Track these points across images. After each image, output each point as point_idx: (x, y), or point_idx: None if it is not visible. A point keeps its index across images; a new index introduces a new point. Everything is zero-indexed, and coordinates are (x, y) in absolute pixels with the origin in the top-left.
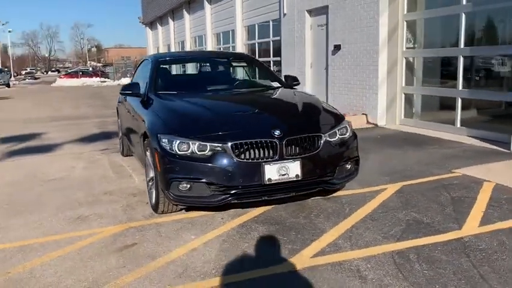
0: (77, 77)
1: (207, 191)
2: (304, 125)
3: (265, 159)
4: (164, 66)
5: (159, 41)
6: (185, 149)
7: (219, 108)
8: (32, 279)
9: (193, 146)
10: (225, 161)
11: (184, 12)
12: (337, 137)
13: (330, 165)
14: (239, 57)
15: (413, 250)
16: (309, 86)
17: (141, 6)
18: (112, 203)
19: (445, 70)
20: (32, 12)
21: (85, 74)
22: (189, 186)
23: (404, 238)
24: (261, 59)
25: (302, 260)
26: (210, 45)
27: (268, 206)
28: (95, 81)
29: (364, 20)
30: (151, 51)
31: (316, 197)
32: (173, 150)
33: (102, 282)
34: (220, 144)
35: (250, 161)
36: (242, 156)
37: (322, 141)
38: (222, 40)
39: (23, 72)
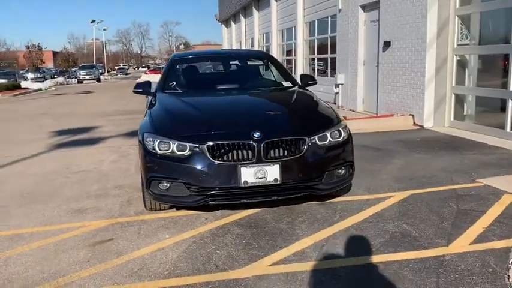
0: (160, 73)
1: (185, 191)
2: (287, 127)
3: (241, 162)
4: (180, 65)
5: (232, 38)
6: (166, 149)
7: (211, 108)
8: (2, 267)
9: (173, 146)
10: (201, 162)
11: (254, 10)
12: (327, 141)
13: (317, 170)
14: (256, 56)
15: (381, 265)
16: (360, 86)
17: (218, 4)
18: (116, 197)
19: (500, 69)
20: (125, 11)
21: None
22: (168, 185)
23: (379, 252)
24: (318, 56)
25: (257, 267)
26: (275, 42)
27: (257, 209)
28: None
29: (413, 15)
30: (227, 47)
31: (311, 202)
32: (154, 150)
33: (60, 274)
34: (197, 145)
35: (226, 162)
36: (219, 157)
37: (305, 145)
38: (286, 37)
39: (116, 68)
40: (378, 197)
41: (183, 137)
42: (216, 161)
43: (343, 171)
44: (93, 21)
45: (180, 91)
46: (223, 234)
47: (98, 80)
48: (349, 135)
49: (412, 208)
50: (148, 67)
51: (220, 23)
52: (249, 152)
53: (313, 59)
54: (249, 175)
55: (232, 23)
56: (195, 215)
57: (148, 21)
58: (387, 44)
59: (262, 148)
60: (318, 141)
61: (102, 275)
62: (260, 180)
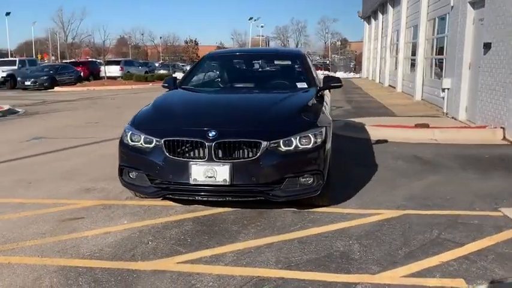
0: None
1: (147, 182)
2: (246, 130)
3: (193, 159)
4: (208, 62)
5: (371, 35)
6: (136, 141)
7: (196, 106)
8: None
9: (142, 139)
10: (159, 156)
11: (389, 6)
12: (292, 146)
13: (273, 176)
14: (285, 55)
15: (280, 281)
16: (464, 92)
17: (362, 1)
18: None
19: None
20: (285, 9)
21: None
22: (135, 175)
23: (291, 267)
24: (438, 57)
25: (165, 263)
26: (402, 40)
27: (231, 208)
28: (318, 74)
29: None
30: (366, 45)
31: (289, 208)
32: (127, 141)
33: (12, 241)
34: (158, 139)
35: (179, 159)
36: (174, 153)
37: (260, 149)
38: (412, 35)
39: None
40: (363, 213)
41: (150, 131)
42: (171, 156)
43: (310, 179)
44: (251, 18)
45: (192, 87)
46: (172, 228)
47: None
48: (324, 142)
49: (386, 229)
50: None
51: (362, 20)
52: (202, 150)
53: (432, 60)
54: (198, 173)
55: (372, 20)
56: (171, 206)
57: (306, 18)
58: (487, 46)
59: (213, 148)
60: (281, 146)
61: (38, 247)
62: (209, 179)
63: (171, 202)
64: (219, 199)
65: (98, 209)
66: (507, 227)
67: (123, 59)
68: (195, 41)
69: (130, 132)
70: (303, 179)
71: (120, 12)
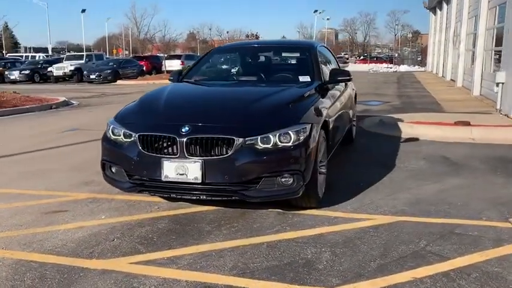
0: (365, 62)
1: (125, 178)
2: (220, 125)
3: (165, 155)
4: (216, 55)
5: (436, 26)
6: (117, 135)
7: (180, 100)
8: None
9: (121, 133)
10: (135, 151)
11: None
12: (270, 144)
13: (248, 175)
14: (293, 48)
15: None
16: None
17: None
18: None
19: None
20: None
21: (378, 59)
22: (115, 170)
23: (244, 275)
24: (497, 48)
25: (118, 263)
26: (464, 32)
27: (216, 207)
28: (381, 67)
29: None
30: (432, 37)
31: (276, 209)
32: (109, 135)
33: None
34: (133, 134)
35: (152, 154)
36: (148, 148)
37: (233, 146)
38: (473, 25)
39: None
40: (352, 218)
41: (129, 125)
42: (145, 152)
43: (290, 180)
44: (315, 11)
45: (192, 81)
46: (145, 225)
47: None
48: (307, 140)
49: (369, 237)
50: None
51: (428, 10)
52: (173, 146)
53: (492, 52)
54: (170, 170)
55: (437, 10)
56: (156, 202)
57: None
58: None
59: (185, 144)
60: (259, 143)
61: (8, 239)
62: (181, 176)
63: (159, 198)
64: (192, 197)
65: (85, 202)
66: (509, 241)
67: (184, 53)
68: (256, 34)
69: (112, 126)
70: (283, 179)
71: (189, 9)
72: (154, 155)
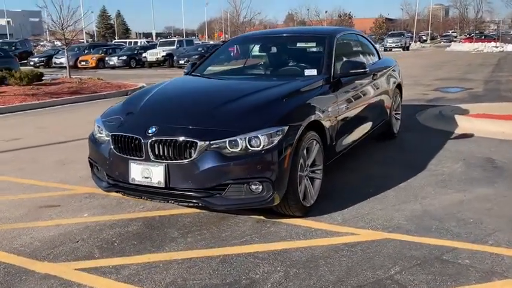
0: (471, 41)
1: (104, 177)
2: (184, 126)
3: (132, 157)
4: (231, 45)
5: None
6: (99, 133)
7: (164, 97)
8: None
9: (103, 131)
10: (107, 151)
11: None
12: (238, 148)
13: (212, 180)
14: (310, 38)
15: None
16: None
17: None
18: None
19: None
20: None
21: (486, 38)
22: (97, 168)
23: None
24: None
25: (63, 269)
26: None
27: (203, 210)
28: (487, 46)
29: None
30: None
31: (258, 216)
32: (94, 132)
33: None
34: (108, 133)
35: (121, 155)
36: (118, 149)
37: (197, 150)
38: None
39: (442, 34)
40: (335, 231)
41: (107, 124)
42: (116, 152)
43: (259, 187)
44: None
45: (198, 74)
46: (116, 227)
47: (405, 49)
48: (280, 143)
49: (338, 257)
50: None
51: None
52: (139, 148)
53: None
54: (136, 172)
55: None
56: (144, 201)
57: None
58: None
59: (149, 146)
60: (227, 147)
61: None
62: (146, 180)
63: None
64: (162, 201)
65: (81, 197)
66: (502, 275)
67: None
68: (348, 14)
69: (96, 124)
70: (252, 186)
71: None
72: (123, 156)
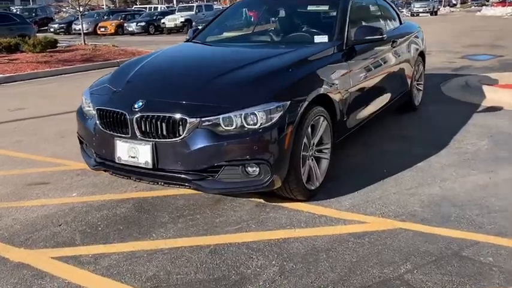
0: (504, 5)
1: (93, 154)
2: (173, 101)
3: (118, 134)
4: (238, 8)
5: None
6: (87, 107)
7: (156, 68)
8: None
9: (91, 105)
10: (92, 126)
11: None
12: (233, 126)
13: (204, 162)
14: (324, 1)
15: None
16: None
17: None
18: None
19: None
20: None
21: None
22: (86, 144)
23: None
24: None
25: (38, 256)
26: None
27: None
28: None
29: None
30: None
31: (258, 199)
32: (82, 106)
33: None
34: (94, 106)
35: (107, 132)
36: (104, 125)
37: (186, 127)
38: None
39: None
40: (341, 218)
41: (94, 97)
42: (101, 128)
43: (256, 169)
44: None
45: (199, 42)
46: (104, 209)
47: (433, 13)
48: (281, 121)
49: (342, 250)
50: None
51: None
52: (125, 124)
53: None
54: (122, 151)
55: None
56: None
57: None
58: None
59: (135, 122)
60: (221, 125)
61: None
62: (133, 159)
63: None
64: (152, 183)
65: (73, 174)
66: None
67: None
68: None
69: (84, 96)
70: (250, 169)
71: None
72: (109, 132)
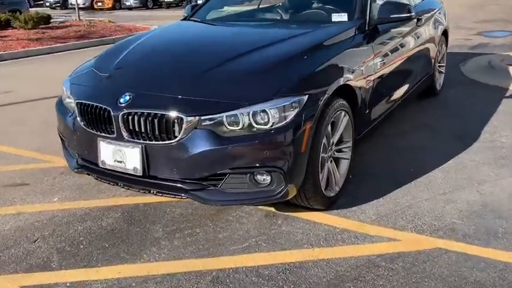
0: None
1: (75, 155)
2: (168, 95)
3: (101, 134)
4: None
5: None
6: (68, 99)
7: (148, 53)
8: None
9: (72, 96)
10: (72, 122)
11: None
12: (239, 126)
13: (205, 169)
14: None
15: None
16: None
17: None
18: None
19: None
20: None
21: None
22: (66, 143)
23: None
24: None
25: (7, 284)
26: None
27: None
28: None
29: None
30: None
31: (268, 208)
32: (63, 98)
33: None
34: (74, 99)
35: (88, 130)
36: (86, 121)
37: (183, 127)
38: None
39: None
40: (367, 234)
41: (75, 87)
42: (82, 126)
43: (267, 178)
44: None
45: (198, 20)
46: (88, 220)
47: None
48: (298, 120)
49: (370, 282)
50: None
51: None
52: (109, 122)
53: None
54: (107, 154)
55: None
56: None
57: None
58: None
59: (121, 120)
60: (225, 124)
61: None
62: (119, 164)
63: None
64: (143, 191)
65: (55, 173)
66: None
67: None
68: None
69: (64, 86)
70: (259, 177)
71: None
72: (91, 131)
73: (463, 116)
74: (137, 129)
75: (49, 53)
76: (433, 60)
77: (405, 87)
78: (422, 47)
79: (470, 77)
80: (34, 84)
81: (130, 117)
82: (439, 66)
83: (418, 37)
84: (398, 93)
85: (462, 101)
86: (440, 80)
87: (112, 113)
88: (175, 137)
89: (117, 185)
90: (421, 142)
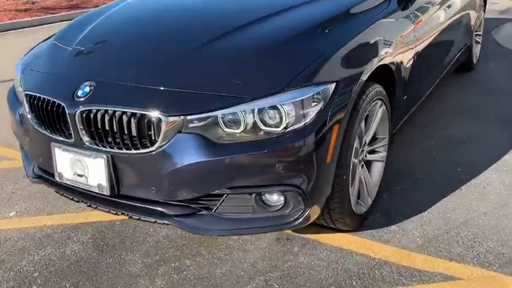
0: None
1: (33, 161)
2: (142, 84)
3: (55, 137)
4: None
5: None
6: (19, 88)
7: (128, 24)
8: None
9: (21, 85)
10: (23, 120)
11: None
12: (240, 128)
13: (196, 188)
14: None
15: None
16: None
17: None
18: None
19: None
20: None
21: None
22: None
23: None
24: None
25: None
26: None
27: None
28: None
29: None
30: None
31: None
32: (16, 86)
33: None
34: (24, 89)
35: (40, 131)
36: (37, 119)
37: (163, 130)
38: None
39: None
40: (415, 268)
41: (27, 73)
42: (34, 125)
43: (280, 198)
44: None
45: None
46: (47, 245)
47: None
48: (321, 118)
49: None
50: None
51: None
52: (65, 121)
53: None
54: (64, 165)
55: None
56: None
57: None
58: None
59: (78, 119)
60: (221, 125)
61: None
62: (79, 179)
63: None
64: (113, 214)
65: (17, 177)
66: None
67: None
68: None
69: (16, 71)
70: (269, 197)
71: None
72: (44, 133)
73: (507, 96)
74: (101, 133)
75: (39, 25)
76: (471, 29)
77: (444, 63)
78: (462, 13)
79: (507, 46)
80: (14, 61)
81: (91, 116)
82: (476, 36)
83: (457, 1)
84: (438, 71)
85: (502, 77)
86: (477, 51)
87: (67, 110)
88: (153, 143)
89: (82, 202)
90: (463, 130)
